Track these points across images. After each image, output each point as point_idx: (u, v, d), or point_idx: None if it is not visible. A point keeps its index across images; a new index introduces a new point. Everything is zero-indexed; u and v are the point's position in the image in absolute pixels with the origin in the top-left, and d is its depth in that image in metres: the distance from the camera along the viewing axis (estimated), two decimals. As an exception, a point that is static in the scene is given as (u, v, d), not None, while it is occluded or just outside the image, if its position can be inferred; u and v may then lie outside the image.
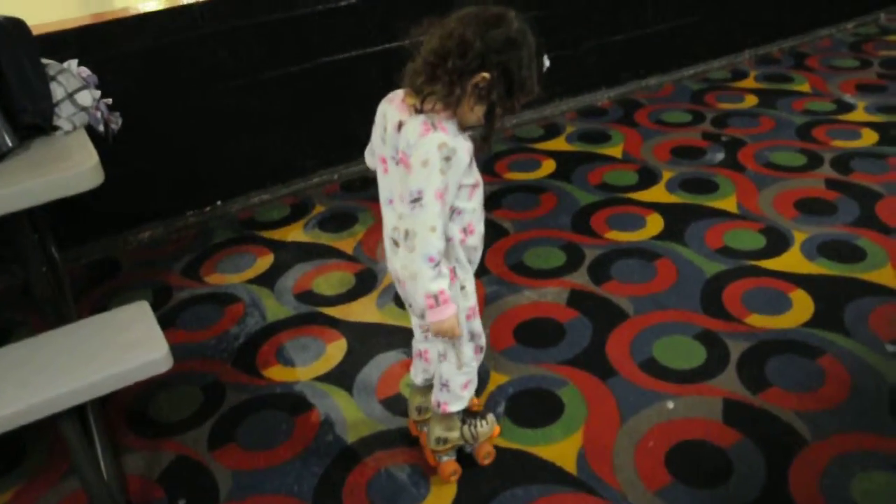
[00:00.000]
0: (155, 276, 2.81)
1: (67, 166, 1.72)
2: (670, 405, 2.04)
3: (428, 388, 1.93)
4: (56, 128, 1.91)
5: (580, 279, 2.58)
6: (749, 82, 4.06)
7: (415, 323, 1.89)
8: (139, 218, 3.04)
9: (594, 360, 2.23)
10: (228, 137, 3.09)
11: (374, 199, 3.17)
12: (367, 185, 3.30)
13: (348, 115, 3.26)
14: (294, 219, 3.10)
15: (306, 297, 2.61)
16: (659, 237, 2.77)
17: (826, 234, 2.71)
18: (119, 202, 2.96)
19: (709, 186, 3.08)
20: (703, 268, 2.58)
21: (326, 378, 2.25)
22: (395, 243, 1.63)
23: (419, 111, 1.49)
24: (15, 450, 2.08)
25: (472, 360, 1.77)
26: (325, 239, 2.94)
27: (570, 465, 1.89)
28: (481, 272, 2.64)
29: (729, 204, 2.94)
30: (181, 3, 2.84)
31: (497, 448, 1.95)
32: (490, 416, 1.93)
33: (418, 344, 1.91)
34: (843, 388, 2.06)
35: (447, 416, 1.84)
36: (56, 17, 2.80)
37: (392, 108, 1.55)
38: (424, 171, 1.44)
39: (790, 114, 3.65)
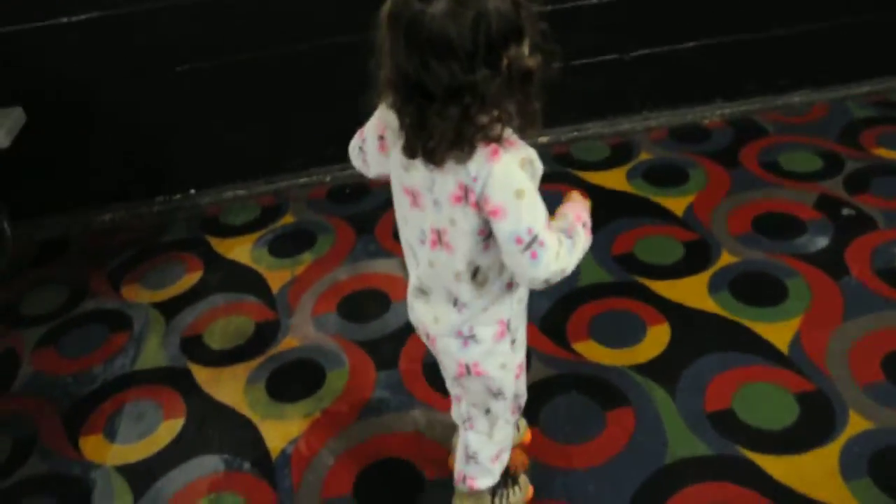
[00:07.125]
0: (83, 270, 2.56)
1: None
2: None
3: None
4: None
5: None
6: (949, 116, 2.79)
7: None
8: (106, 197, 2.80)
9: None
10: (206, 122, 2.69)
11: (345, 217, 2.67)
12: (358, 195, 2.76)
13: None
14: (256, 227, 2.67)
15: (191, 344, 2.21)
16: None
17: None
18: (88, 178, 2.75)
19: (770, 295, 2.11)
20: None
21: (131, 469, 1.86)
22: (423, 292, 1.33)
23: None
24: None
25: (507, 423, 1.51)
26: (264, 264, 2.49)
27: None
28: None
29: (781, 336, 1.99)
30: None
31: None
32: (522, 478, 1.69)
33: (452, 389, 1.58)
34: None
35: (474, 494, 1.57)
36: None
37: None
38: (524, 202, 1.11)
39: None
